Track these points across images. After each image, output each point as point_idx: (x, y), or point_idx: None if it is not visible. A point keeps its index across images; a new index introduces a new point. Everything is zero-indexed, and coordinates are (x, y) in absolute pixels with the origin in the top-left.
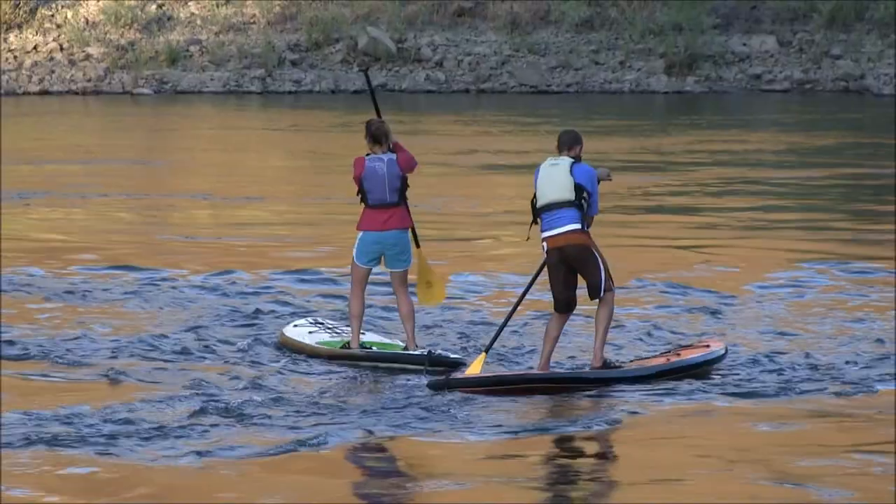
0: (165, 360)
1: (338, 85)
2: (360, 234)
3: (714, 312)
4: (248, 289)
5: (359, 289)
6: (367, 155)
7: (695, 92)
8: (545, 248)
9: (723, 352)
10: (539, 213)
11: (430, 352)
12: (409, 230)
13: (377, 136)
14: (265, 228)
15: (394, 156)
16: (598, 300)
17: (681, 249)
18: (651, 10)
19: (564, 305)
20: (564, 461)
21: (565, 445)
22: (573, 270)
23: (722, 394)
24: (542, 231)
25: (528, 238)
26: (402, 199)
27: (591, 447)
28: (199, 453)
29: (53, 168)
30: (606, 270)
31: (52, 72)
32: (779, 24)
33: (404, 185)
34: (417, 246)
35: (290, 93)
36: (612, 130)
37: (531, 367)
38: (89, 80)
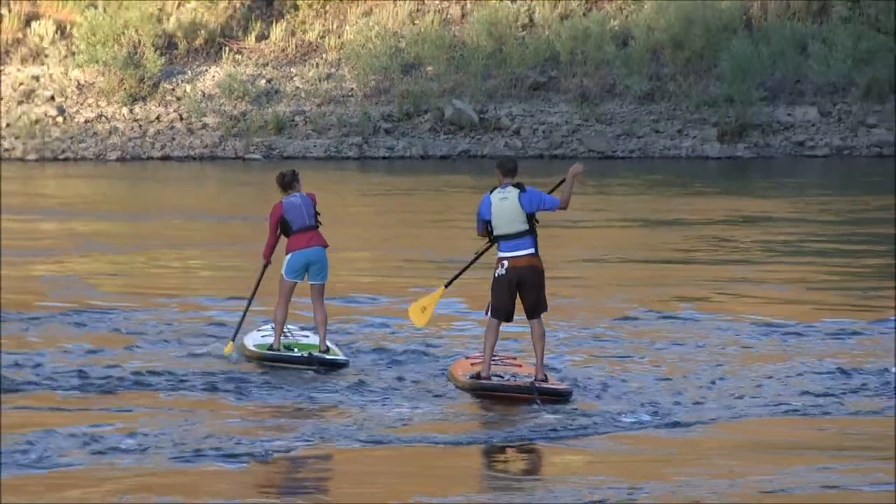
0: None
1: (426, 151)
2: (289, 255)
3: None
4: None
5: (284, 300)
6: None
7: (745, 157)
8: (505, 266)
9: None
10: (497, 239)
11: (310, 354)
12: (327, 248)
13: (285, 185)
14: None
15: (304, 193)
16: (535, 319)
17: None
18: (705, 84)
19: (506, 315)
20: None
21: None
22: (518, 289)
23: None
24: (502, 251)
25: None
26: (318, 223)
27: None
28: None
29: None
30: None
31: (173, 139)
32: (820, 97)
33: (316, 213)
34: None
35: (384, 158)
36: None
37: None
38: (205, 147)
